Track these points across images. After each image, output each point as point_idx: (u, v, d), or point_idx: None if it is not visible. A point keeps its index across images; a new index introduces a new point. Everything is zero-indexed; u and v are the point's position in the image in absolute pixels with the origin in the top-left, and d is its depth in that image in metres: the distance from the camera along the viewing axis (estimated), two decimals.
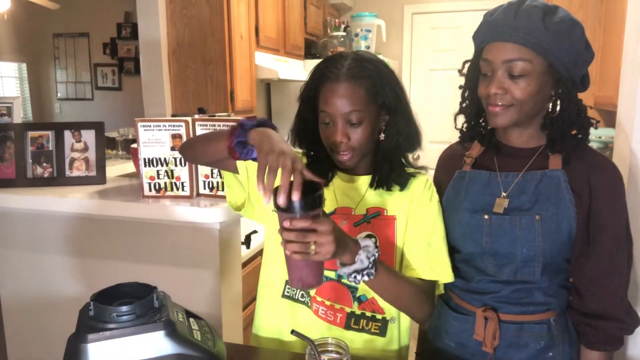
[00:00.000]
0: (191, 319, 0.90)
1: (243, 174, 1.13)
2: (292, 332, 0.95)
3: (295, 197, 0.81)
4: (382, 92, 1.04)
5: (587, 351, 1.07)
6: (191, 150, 1.18)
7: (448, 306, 1.18)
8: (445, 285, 1.20)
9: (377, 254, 0.94)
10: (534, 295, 1.07)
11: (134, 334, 0.79)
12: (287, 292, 1.15)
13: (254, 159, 0.95)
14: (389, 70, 1.07)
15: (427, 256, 1.08)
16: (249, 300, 2.13)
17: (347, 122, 1.02)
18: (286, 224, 0.84)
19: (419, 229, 1.09)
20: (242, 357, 1.11)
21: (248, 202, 1.17)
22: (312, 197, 0.84)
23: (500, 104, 1.01)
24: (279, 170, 0.83)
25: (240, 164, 1.11)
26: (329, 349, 0.91)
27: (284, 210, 0.84)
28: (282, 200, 0.81)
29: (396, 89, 1.06)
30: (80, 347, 0.77)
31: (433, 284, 1.10)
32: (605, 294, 1.04)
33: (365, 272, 0.93)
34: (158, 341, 0.80)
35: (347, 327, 1.11)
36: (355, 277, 0.93)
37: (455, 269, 1.16)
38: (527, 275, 1.06)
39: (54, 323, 1.64)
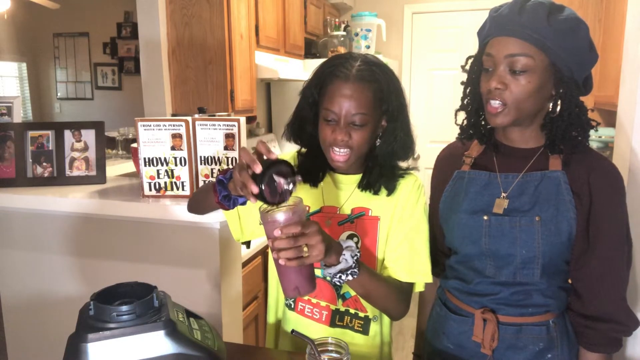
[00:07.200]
0: (191, 319, 0.90)
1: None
2: (292, 331, 0.96)
3: (255, 189, 0.84)
4: (388, 99, 1.05)
5: (586, 353, 1.07)
6: (195, 209, 1.26)
7: (447, 308, 1.17)
8: (444, 286, 1.20)
9: (359, 254, 0.97)
10: (532, 297, 1.07)
11: (134, 334, 0.79)
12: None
13: (243, 204, 1.03)
14: (395, 78, 1.08)
15: (408, 259, 1.09)
16: (249, 300, 2.13)
17: (350, 122, 1.03)
18: (276, 232, 0.86)
19: (402, 230, 1.10)
20: (242, 357, 1.11)
21: (244, 227, 1.18)
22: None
23: (499, 100, 1.01)
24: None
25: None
26: (329, 348, 0.91)
27: (269, 203, 0.87)
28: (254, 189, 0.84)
29: (400, 97, 1.08)
30: (80, 346, 0.77)
31: (410, 285, 1.12)
32: (605, 296, 1.04)
33: (349, 272, 0.95)
34: (158, 341, 0.80)
35: (332, 324, 1.13)
36: (340, 277, 0.95)
37: (453, 270, 1.17)
38: (526, 277, 1.06)
39: (54, 323, 1.64)
